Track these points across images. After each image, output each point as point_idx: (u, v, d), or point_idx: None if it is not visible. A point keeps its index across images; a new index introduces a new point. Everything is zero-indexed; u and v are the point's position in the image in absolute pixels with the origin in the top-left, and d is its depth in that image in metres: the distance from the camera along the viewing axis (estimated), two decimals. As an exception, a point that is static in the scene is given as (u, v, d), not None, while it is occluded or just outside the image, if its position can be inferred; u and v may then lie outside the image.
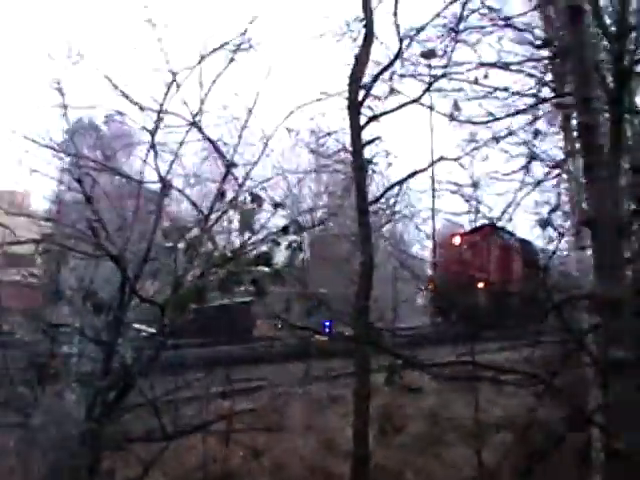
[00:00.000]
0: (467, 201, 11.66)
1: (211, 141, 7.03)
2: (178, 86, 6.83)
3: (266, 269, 6.62)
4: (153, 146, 6.91)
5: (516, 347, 12.11)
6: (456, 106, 11.21)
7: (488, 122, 11.20)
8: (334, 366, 13.21)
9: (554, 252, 9.84)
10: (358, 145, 10.99)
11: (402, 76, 11.51)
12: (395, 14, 10.85)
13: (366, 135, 11.21)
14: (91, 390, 6.05)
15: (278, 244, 6.76)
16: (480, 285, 21.75)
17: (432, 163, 12.46)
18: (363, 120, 11.12)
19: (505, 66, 11.28)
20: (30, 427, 5.84)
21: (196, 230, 6.69)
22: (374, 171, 11.43)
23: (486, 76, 11.10)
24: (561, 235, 10.15)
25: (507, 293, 21.20)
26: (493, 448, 11.57)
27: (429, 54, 11.60)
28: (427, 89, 11.62)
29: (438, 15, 10.79)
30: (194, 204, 6.97)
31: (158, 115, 6.84)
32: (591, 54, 5.63)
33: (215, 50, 6.85)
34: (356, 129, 10.99)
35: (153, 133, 6.90)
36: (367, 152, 11.15)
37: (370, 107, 11.29)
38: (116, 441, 6.15)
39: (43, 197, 10.46)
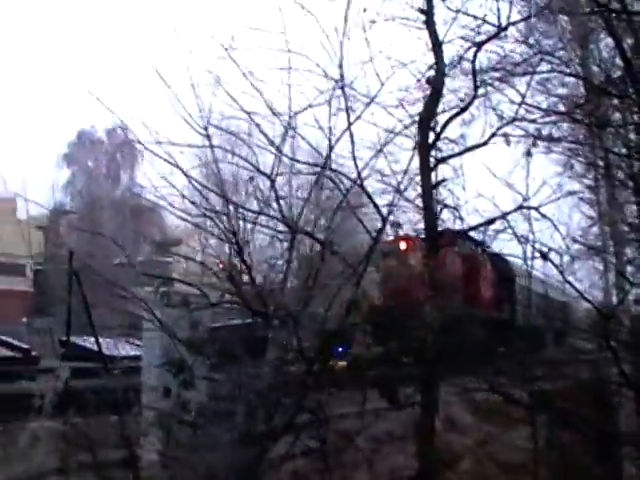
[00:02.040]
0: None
1: (372, 201, 7.42)
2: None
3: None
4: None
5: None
6: (534, 143, 11.32)
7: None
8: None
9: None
10: (427, 186, 11.15)
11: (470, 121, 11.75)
12: (473, 61, 11.10)
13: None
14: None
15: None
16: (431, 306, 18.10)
17: (511, 211, 11.94)
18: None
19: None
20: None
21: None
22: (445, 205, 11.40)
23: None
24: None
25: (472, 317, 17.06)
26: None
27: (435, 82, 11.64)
28: (493, 134, 11.78)
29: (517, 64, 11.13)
30: (345, 260, 7.29)
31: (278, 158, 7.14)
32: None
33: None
34: (426, 170, 11.16)
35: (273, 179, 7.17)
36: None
37: (439, 149, 11.48)
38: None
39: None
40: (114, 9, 75.72)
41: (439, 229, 11.53)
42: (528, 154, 10.82)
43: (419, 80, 11.62)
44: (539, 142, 12.13)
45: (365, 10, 11.14)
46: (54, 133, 66.11)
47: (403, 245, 17.96)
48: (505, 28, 10.92)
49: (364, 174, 8.59)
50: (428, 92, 11.34)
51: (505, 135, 11.33)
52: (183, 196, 7.33)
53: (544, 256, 11.96)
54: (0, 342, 19.00)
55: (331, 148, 7.79)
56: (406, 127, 10.78)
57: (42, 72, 74.00)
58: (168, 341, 8.97)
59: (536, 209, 10.79)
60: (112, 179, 48.19)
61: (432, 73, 11.52)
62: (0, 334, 20.42)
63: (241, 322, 8.55)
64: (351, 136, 7.94)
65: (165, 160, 7.13)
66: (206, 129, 7.15)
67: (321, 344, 6.73)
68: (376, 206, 8.87)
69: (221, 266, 7.54)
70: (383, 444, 10.78)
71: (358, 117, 8.22)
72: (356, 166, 8.15)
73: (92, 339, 22.62)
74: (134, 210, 40.76)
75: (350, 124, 7.92)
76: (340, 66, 8.18)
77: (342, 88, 8.07)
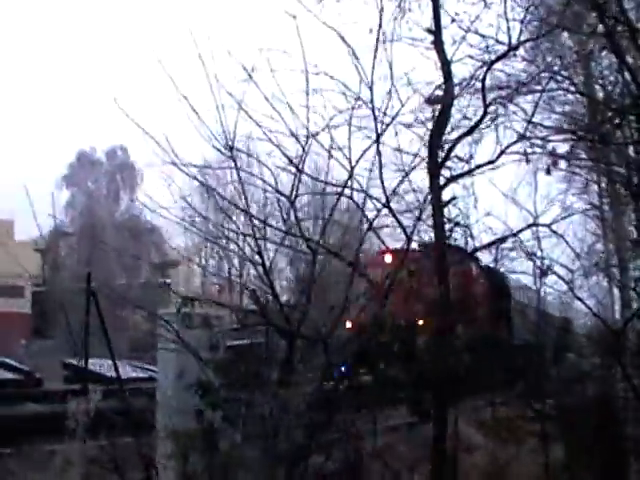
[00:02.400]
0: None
1: (399, 222, 7.50)
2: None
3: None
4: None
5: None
6: (554, 162, 11.40)
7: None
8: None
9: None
10: (438, 205, 11.18)
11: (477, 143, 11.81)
12: (483, 80, 11.16)
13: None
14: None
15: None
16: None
17: (523, 229, 11.77)
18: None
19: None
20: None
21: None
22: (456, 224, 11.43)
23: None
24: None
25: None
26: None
27: (434, 100, 11.72)
28: (502, 152, 11.84)
29: (524, 84, 11.22)
30: (370, 280, 7.34)
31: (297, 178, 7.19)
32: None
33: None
34: (436, 189, 11.20)
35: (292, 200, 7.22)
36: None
37: (449, 167, 11.53)
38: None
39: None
40: (137, 29, 75.25)
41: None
42: (548, 172, 10.91)
43: (428, 99, 11.70)
44: (546, 159, 12.29)
45: (371, 31, 11.27)
46: (54, 154, 66.15)
47: (388, 259, 16.13)
48: (516, 48, 11.02)
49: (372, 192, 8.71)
50: (437, 111, 11.38)
51: (525, 153, 11.39)
52: (204, 217, 7.36)
53: (544, 273, 12.07)
54: (2, 365, 18.91)
55: (352, 168, 7.87)
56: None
57: (42, 93, 74.01)
58: (185, 362, 9.00)
59: (548, 226, 10.86)
60: (112, 200, 48.22)
61: (435, 92, 11.61)
62: (1, 356, 20.38)
63: (250, 341, 8.58)
64: (379, 156, 8.01)
65: (195, 178, 7.18)
66: (231, 150, 7.19)
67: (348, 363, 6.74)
68: (402, 227, 8.92)
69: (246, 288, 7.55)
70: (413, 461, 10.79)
71: (379, 136, 8.27)
72: (383, 187, 8.21)
73: (92, 361, 22.62)
74: (134, 231, 40.86)
75: (378, 144, 7.97)
76: (370, 88, 8.24)
77: (373, 111, 8.13)
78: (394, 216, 8.86)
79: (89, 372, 19.91)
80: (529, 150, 12.23)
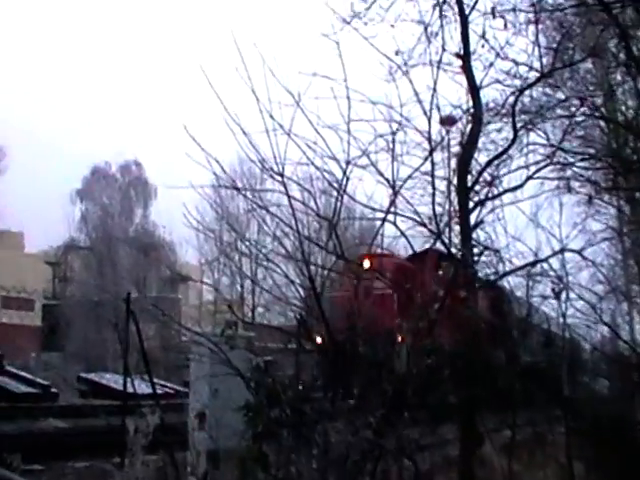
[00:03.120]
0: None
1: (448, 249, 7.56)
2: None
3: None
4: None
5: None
6: (597, 190, 11.50)
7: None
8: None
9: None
10: (467, 229, 11.26)
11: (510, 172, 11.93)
12: (514, 106, 11.27)
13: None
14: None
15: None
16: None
17: (554, 253, 11.75)
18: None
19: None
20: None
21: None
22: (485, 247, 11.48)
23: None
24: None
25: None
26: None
27: (449, 121, 11.83)
28: (530, 177, 11.94)
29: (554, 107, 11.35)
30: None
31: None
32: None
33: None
34: (465, 213, 11.28)
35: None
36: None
37: (476, 191, 11.61)
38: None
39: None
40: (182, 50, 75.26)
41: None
42: (589, 201, 11.01)
43: (442, 120, 11.79)
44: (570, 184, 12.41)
45: (397, 53, 11.40)
46: (68, 168, 66.27)
47: (366, 264, 14.35)
48: (549, 74, 11.13)
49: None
50: (452, 132, 11.50)
51: (567, 180, 11.49)
52: (254, 242, 7.44)
53: (558, 294, 12.13)
54: (19, 378, 18.93)
55: (395, 194, 7.95)
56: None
57: (59, 107, 74.08)
58: (222, 381, 9.07)
59: (578, 252, 10.93)
60: (125, 215, 48.33)
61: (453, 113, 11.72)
62: (14, 369, 20.40)
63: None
64: (432, 183, 8.09)
65: (252, 200, 7.25)
66: (281, 175, 7.28)
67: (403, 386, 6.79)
68: (451, 254, 8.99)
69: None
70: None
71: (425, 159, 8.36)
72: (434, 214, 8.27)
73: (107, 376, 22.68)
74: (147, 246, 41.07)
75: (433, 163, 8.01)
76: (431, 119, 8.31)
77: (430, 139, 8.21)
78: (444, 245, 8.91)
79: (105, 387, 20.03)
80: (553, 175, 12.40)
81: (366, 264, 14.51)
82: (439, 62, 10.44)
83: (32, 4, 70.29)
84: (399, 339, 7.62)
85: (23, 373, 19.77)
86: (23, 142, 74.39)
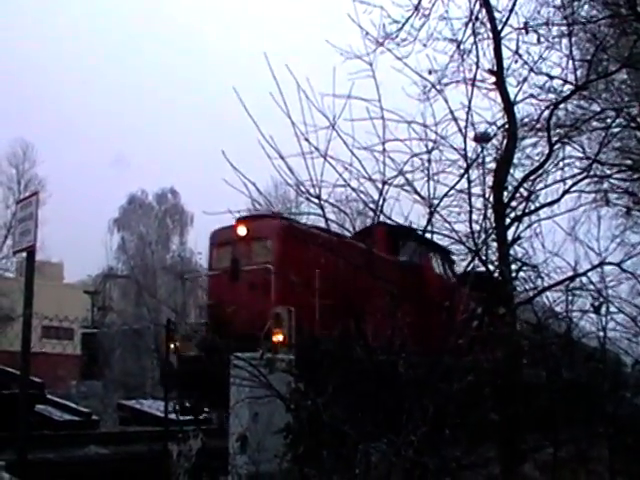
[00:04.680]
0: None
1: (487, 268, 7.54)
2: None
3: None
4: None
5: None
6: (636, 202, 11.41)
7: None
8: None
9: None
10: (504, 245, 11.16)
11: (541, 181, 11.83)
12: (549, 120, 11.21)
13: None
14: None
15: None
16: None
17: (594, 267, 11.54)
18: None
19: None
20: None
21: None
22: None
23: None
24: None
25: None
26: None
27: (482, 138, 11.74)
28: (566, 191, 11.86)
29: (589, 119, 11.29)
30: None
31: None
32: None
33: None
34: (501, 229, 11.19)
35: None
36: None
37: (513, 207, 11.52)
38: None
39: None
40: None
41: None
42: (628, 213, 10.89)
43: (476, 137, 11.73)
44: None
45: (430, 72, 11.38)
46: (106, 198, 67.07)
47: (242, 230, 13.35)
48: (583, 87, 11.06)
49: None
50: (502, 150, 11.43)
51: (605, 192, 11.40)
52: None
53: (598, 309, 11.96)
54: (60, 406, 19.04)
55: (431, 212, 7.91)
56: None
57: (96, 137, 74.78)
58: (258, 406, 9.04)
59: (618, 265, 10.79)
60: (162, 243, 48.90)
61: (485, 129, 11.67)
62: (56, 397, 20.52)
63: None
64: (469, 201, 8.05)
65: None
66: (318, 198, 7.27)
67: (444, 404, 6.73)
68: (490, 272, 8.94)
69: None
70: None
71: (461, 177, 8.33)
72: (472, 232, 8.22)
73: (147, 402, 22.72)
74: (184, 274, 41.33)
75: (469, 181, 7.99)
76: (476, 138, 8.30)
77: (466, 156, 8.21)
78: (483, 263, 8.85)
79: (145, 414, 20.06)
80: (590, 188, 12.30)
81: (241, 231, 13.44)
82: (474, 79, 10.42)
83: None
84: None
85: (64, 401, 19.83)
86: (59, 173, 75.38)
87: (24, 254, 10.94)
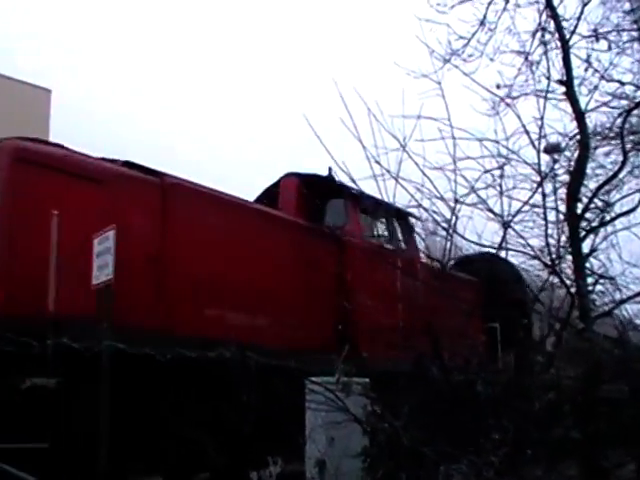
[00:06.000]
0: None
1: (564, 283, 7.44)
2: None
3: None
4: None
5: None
6: None
7: None
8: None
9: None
10: (579, 258, 10.92)
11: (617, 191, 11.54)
12: (622, 127, 10.95)
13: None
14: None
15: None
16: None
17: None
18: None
19: None
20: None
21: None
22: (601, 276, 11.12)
23: None
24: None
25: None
26: None
27: (553, 149, 11.46)
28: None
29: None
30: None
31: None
32: None
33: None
34: (576, 242, 10.95)
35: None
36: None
37: (588, 219, 11.27)
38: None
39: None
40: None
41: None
42: None
43: (545, 149, 11.53)
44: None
45: (499, 87, 11.23)
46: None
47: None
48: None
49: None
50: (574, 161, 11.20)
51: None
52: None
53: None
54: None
55: (505, 229, 7.80)
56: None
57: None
58: (335, 430, 8.98)
59: None
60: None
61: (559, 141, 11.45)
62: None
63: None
64: (544, 215, 7.90)
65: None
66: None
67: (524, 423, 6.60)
68: (567, 287, 8.79)
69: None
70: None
71: (534, 191, 8.19)
72: (547, 246, 8.08)
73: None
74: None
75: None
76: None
77: (539, 170, 8.09)
78: (560, 279, 8.69)
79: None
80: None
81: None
82: (547, 91, 10.26)
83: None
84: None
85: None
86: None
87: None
